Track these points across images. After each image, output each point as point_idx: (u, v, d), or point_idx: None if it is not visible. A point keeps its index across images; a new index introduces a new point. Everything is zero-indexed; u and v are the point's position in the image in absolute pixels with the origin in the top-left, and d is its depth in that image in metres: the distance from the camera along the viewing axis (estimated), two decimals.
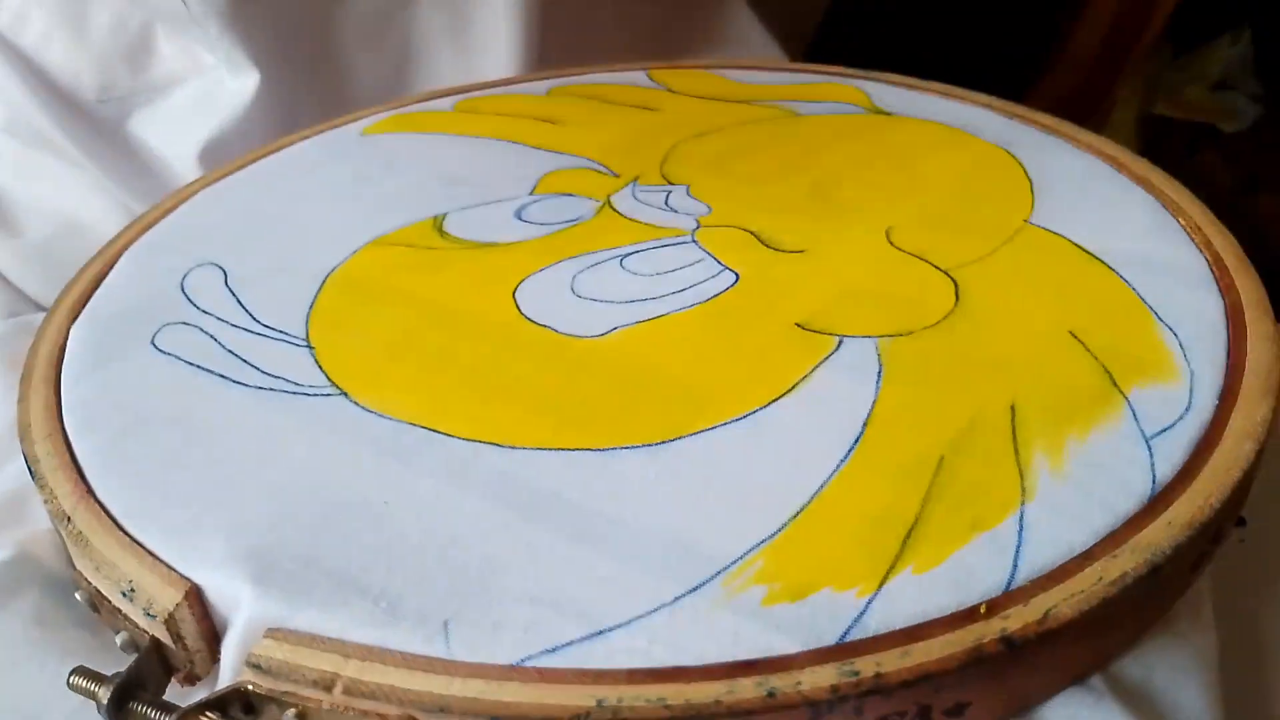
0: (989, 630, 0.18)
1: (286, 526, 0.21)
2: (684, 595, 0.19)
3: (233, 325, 0.27)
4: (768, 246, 0.31)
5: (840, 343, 0.26)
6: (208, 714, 0.18)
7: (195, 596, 0.20)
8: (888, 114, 0.39)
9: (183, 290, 0.29)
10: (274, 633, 0.19)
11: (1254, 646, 0.25)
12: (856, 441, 0.23)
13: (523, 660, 0.18)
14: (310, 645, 0.19)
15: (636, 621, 0.19)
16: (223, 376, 0.25)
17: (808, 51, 0.61)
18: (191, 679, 0.21)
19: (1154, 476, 0.22)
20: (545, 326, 0.27)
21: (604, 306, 0.28)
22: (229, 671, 0.20)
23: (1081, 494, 0.21)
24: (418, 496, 0.22)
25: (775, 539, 0.21)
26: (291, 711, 0.19)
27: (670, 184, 0.34)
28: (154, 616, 0.20)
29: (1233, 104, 0.69)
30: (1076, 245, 0.30)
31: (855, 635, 0.19)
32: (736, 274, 0.29)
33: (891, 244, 0.30)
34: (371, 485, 0.22)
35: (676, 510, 0.21)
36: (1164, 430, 0.23)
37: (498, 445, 0.23)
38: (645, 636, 0.19)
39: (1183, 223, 0.31)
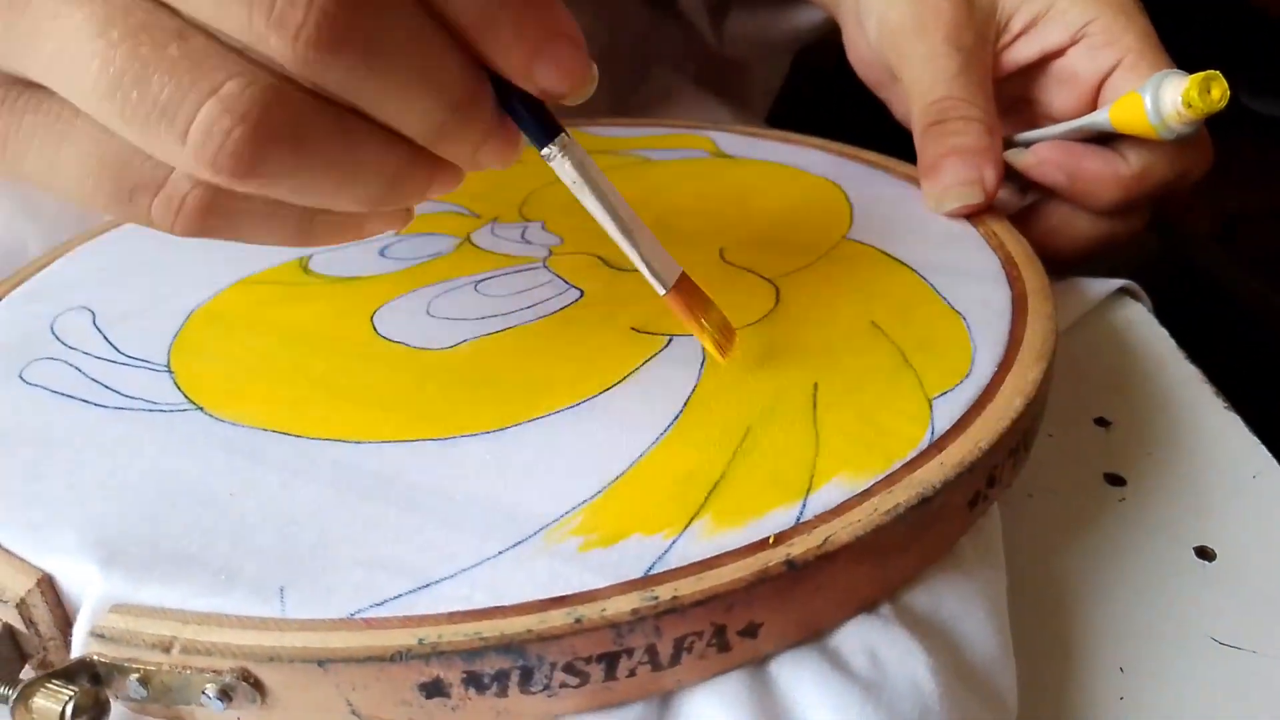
0: (775, 556, 0.21)
1: (134, 518, 0.22)
2: (506, 550, 0.21)
3: (97, 357, 0.29)
4: (611, 267, 0.33)
5: (670, 340, 0.29)
6: (53, 684, 0.19)
7: (47, 584, 0.21)
8: (730, 157, 0.42)
9: (52, 331, 0.30)
10: (118, 607, 0.20)
11: (1050, 591, 0.27)
12: (676, 418, 0.25)
13: (353, 614, 0.20)
14: (151, 615, 0.20)
15: (461, 574, 0.21)
16: (84, 400, 0.27)
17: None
18: (46, 666, 0.22)
19: (933, 430, 0.24)
20: (399, 343, 0.29)
21: (456, 324, 0.30)
22: (79, 650, 0.21)
23: (867, 448, 0.24)
24: (262, 486, 0.23)
25: (595, 500, 0.23)
26: (135, 677, 0.20)
27: (527, 221, 0.37)
28: (6, 602, 0.21)
29: None
30: (886, 254, 0.33)
31: (658, 570, 0.21)
32: (581, 290, 0.32)
33: (723, 260, 0.33)
34: (219, 480, 0.24)
35: (507, 484, 0.23)
36: (945, 394, 0.26)
37: (344, 441, 0.25)
38: (468, 586, 0.21)
39: (981, 231, 0.35)
